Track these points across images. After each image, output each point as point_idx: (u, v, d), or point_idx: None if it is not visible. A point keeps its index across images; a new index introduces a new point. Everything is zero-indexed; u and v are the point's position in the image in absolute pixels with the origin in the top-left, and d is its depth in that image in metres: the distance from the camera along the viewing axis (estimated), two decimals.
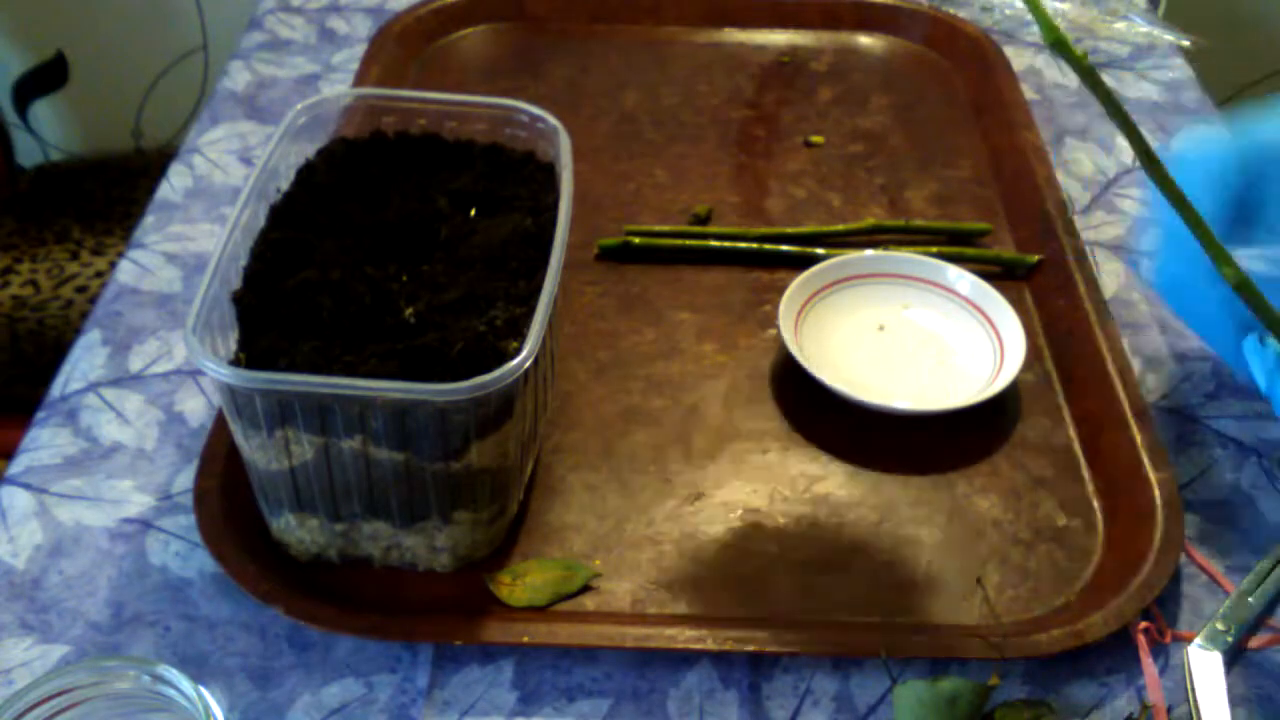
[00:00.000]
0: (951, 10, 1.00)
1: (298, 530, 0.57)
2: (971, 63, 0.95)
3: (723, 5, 1.00)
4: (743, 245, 0.77)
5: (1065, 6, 1.03)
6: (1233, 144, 0.60)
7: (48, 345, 1.24)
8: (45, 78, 1.63)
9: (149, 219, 0.80)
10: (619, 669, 0.55)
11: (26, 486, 0.62)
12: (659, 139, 0.88)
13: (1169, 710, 0.54)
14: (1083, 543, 0.61)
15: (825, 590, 0.58)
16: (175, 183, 0.83)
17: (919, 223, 0.79)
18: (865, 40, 0.99)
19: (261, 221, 0.58)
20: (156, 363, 0.69)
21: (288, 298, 0.54)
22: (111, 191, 1.45)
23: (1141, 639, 0.56)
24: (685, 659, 0.56)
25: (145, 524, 0.60)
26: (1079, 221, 0.80)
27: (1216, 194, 0.58)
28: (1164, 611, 0.58)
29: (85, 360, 0.69)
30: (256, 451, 0.53)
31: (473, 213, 0.60)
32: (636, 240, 0.77)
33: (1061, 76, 0.97)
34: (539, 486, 0.62)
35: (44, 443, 0.64)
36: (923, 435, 0.66)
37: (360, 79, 0.88)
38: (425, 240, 0.59)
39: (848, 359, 0.70)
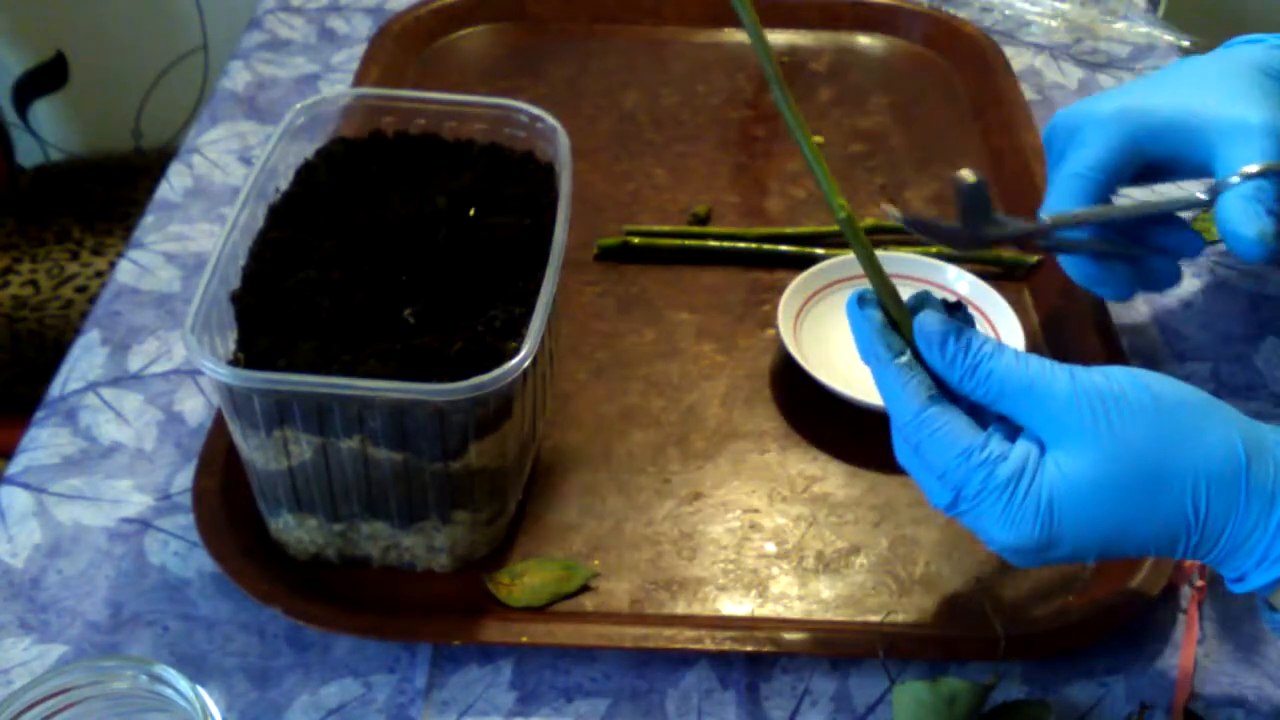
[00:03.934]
0: (951, 10, 1.00)
1: (296, 530, 0.57)
2: (971, 63, 0.95)
3: (723, 5, 0.99)
4: (742, 245, 0.77)
5: (1065, 6, 1.03)
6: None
7: (48, 345, 1.24)
8: (45, 78, 1.63)
9: (149, 219, 0.80)
10: (617, 669, 0.55)
11: (25, 486, 0.62)
12: (659, 139, 0.88)
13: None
14: None
15: (825, 590, 0.58)
16: (175, 183, 0.83)
17: None
18: (865, 40, 0.99)
19: (261, 221, 0.58)
20: (156, 362, 0.69)
21: (287, 298, 0.54)
22: (111, 191, 1.45)
23: (1194, 596, 0.58)
24: (684, 659, 0.56)
25: (144, 524, 0.60)
26: None
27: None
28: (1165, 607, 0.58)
29: (85, 360, 0.69)
30: (255, 451, 0.53)
31: (472, 213, 0.60)
32: (636, 240, 0.77)
33: (1061, 76, 0.97)
34: (538, 486, 0.62)
35: (43, 442, 0.64)
36: None
37: (360, 79, 0.88)
38: (425, 240, 0.58)
39: (848, 359, 0.70)
